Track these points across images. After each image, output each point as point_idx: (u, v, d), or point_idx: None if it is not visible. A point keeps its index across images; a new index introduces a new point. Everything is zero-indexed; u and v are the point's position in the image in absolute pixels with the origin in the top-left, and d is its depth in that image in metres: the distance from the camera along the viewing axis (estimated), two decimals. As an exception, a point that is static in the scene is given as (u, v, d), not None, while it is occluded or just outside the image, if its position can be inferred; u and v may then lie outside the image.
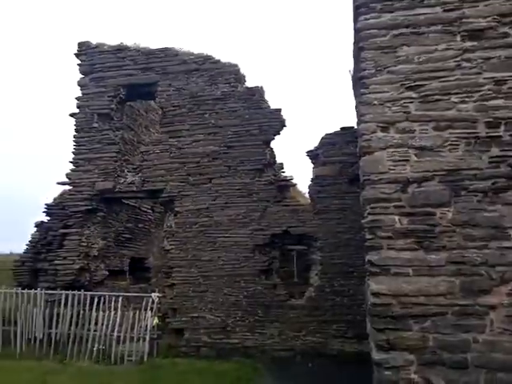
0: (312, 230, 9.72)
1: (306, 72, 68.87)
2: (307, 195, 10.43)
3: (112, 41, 12.22)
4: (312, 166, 10.22)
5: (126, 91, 11.62)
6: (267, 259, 9.90)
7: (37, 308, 10.09)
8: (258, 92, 10.60)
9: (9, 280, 12.01)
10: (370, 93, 5.19)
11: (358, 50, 5.59)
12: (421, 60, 5.09)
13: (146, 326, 9.50)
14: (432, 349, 4.52)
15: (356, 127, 7.95)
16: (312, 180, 10.11)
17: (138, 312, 9.60)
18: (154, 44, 11.70)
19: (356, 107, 7.14)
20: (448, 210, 4.75)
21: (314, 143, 10.50)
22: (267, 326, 9.53)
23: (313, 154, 10.21)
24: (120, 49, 11.72)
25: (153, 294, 9.74)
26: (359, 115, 5.52)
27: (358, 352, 8.63)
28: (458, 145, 4.85)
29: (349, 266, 9.33)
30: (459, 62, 4.98)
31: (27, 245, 11.78)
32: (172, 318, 10.03)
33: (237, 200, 10.17)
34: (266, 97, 10.68)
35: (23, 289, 10.57)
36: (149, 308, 9.58)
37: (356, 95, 7.04)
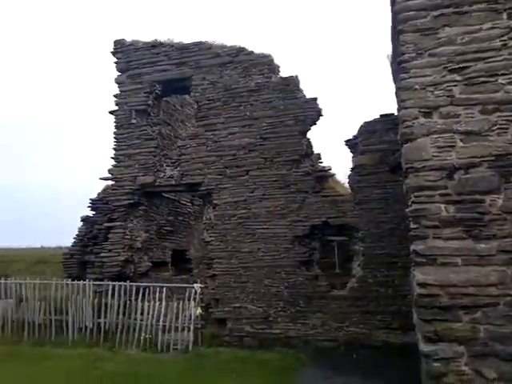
0: (353, 221, 9.59)
1: (342, 59, 67.49)
2: (347, 185, 10.29)
3: (146, 37, 12.42)
4: (351, 155, 10.05)
5: (162, 87, 11.78)
6: (307, 250, 9.86)
7: (86, 298, 10.52)
8: (292, 82, 10.49)
9: (59, 272, 12.60)
10: (410, 77, 5.06)
11: (396, 34, 5.44)
12: (464, 41, 4.90)
13: (190, 315, 9.73)
14: (483, 340, 4.41)
15: (396, 114, 7.78)
16: (351, 170, 9.95)
17: (181, 302, 9.84)
18: (188, 38, 11.76)
19: (396, 93, 6.97)
20: (498, 197, 4.58)
21: (352, 132, 10.34)
22: (309, 317, 9.52)
23: (351, 143, 10.04)
24: (154, 45, 11.88)
25: (195, 285, 9.95)
26: (400, 101, 5.38)
27: (403, 343, 8.49)
28: (506, 128, 4.67)
29: (392, 257, 9.15)
30: (506, 42, 4.77)
31: (75, 238, 12.27)
32: (214, 308, 10.21)
33: (274, 192, 10.16)
34: (301, 86, 10.55)
35: (73, 280, 11.05)
36: (192, 298, 9.81)
37: (396, 80, 6.86)
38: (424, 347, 4.62)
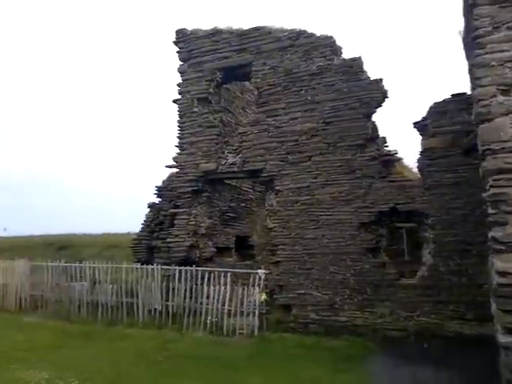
0: (422, 207, 9.19)
1: (410, 36, 64.06)
2: (415, 170, 9.87)
3: (207, 25, 12.51)
4: (420, 138, 9.59)
5: (223, 74, 11.90)
6: (374, 237, 9.60)
7: (154, 282, 10.98)
8: (355, 63, 10.18)
9: (129, 257, 13.23)
10: (486, 53, 4.77)
11: (469, 7, 5.12)
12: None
13: (255, 301, 9.86)
14: None
15: (470, 93, 7.34)
16: (420, 153, 9.50)
17: (246, 288, 9.99)
18: (247, 24, 11.73)
19: (470, 70, 6.54)
20: None
21: (421, 113, 9.84)
22: (377, 305, 9.31)
23: (420, 125, 9.56)
24: (214, 32, 11.98)
25: (259, 271, 10.05)
26: (474, 79, 5.08)
27: (478, 335, 8.09)
28: None
29: (466, 244, 8.69)
30: None
31: (142, 224, 12.80)
32: (279, 294, 10.26)
33: (338, 177, 9.96)
34: (365, 67, 10.21)
35: (141, 264, 11.56)
36: (256, 284, 9.92)
37: (469, 57, 6.44)
38: (503, 339, 4.46)
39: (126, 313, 11.16)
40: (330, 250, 9.85)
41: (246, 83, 13.22)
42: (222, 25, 12.04)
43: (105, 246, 18.36)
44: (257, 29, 11.35)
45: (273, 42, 11.06)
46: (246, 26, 11.63)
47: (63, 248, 18.44)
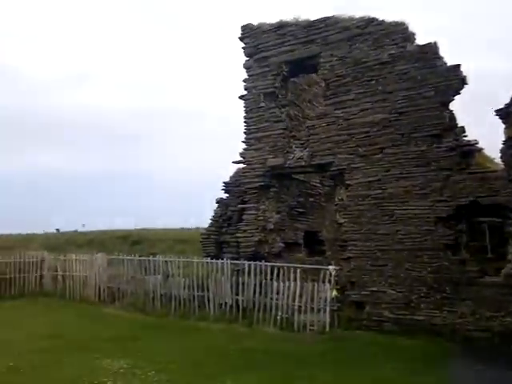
0: (507, 200, 8.51)
1: (490, 15, 59.24)
2: (498, 160, 9.18)
3: (272, 19, 12.41)
4: (503, 126, 8.89)
5: (289, 67, 11.80)
6: (453, 233, 9.05)
7: (224, 276, 11.13)
8: (430, 49, 9.64)
9: (198, 251, 13.53)
10: None
11: None
12: None
13: (325, 297, 9.69)
14: None
15: None
16: (504, 142, 8.81)
17: (316, 284, 9.84)
18: (314, 15, 11.46)
19: None
20: None
21: (504, 100, 9.11)
22: (457, 304, 8.80)
23: (504, 113, 8.83)
24: (280, 26, 11.86)
25: (330, 267, 9.86)
26: None
27: None
28: None
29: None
30: None
31: (211, 219, 13.01)
32: (350, 291, 10.00)
33: (413, 170, 9.52)
34: (442, 53, 9.64)
35: (211, 259, 11.75)
36: (327, 280, 9.74)
37: None
38: None
39: (197, 306, 11.41)
40: (405, 246, 9.44)
41: (313, 75, 12.99)
42: (288, 17, 11.91)
43: (175, 240, 18.93)
44: (323, 19, 11.10)
45: (340, 32, 10.76)
46: (312, 18, 11.41)
47: (137, 242, 19.25)
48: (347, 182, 10.36)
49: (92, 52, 78.28)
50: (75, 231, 27.89)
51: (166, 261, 12.36)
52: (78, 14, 73.35)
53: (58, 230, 29.42)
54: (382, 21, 10.38)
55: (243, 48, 12.42)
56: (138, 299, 12.32)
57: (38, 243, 19.21)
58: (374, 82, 10.18)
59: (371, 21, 10.48)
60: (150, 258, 12.72)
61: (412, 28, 10.15)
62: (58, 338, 8.99)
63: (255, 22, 12.41)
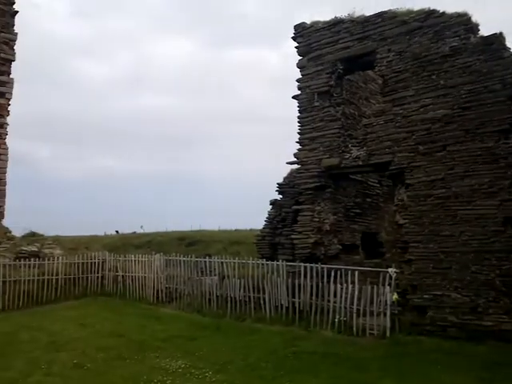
0: None
1: None
2: None
3: (326, 17, 12.24)
4: None
5: (344, 65, 11.59)
6: (523, 234, 8.47)
7: (280, 278, 11.03)
8: (496, 40, 9.09)
9: (252, 253, 13.55)
10: None
11: None
12: None
13: (386, 301, 9.35)
14: None
15: None
16: None
17: (375, 287, 9.52)
18: (369, 10, 11.18)
19: None
20: None
21: None
22: (529, 310, 8.20)
23: None
24: (334, 23, 11.68)
25: (390, 270, 9.50)
26: None
27: None
28: None
29: None
30: None
31: (265, 221, 13.01)
32: (412, 294, 9.56)
33: (479, 167, 8.98)
34: (508, 44, 9.07)
35: (266, 260, 11.70)
36: (386, 283, 9.40)
37: None
38: None
39: (253, 308, 11.39)
40: (471, 247, 8.91)
41: (369, 72, 12.68)
42: (343, 14, 11.68)
43: (230, 242, 19.10)
44: (380, 14, 10.79)
45: (398, 27, 10.40)
46: (368, 13, 11.12)
47: (192, 244, 19.62)
48: (407, 182, 9.95)
49: (146, 55, 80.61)
50: (134, 233, 28.94)
51: (221, 262, 12.45)
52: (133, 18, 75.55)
53: (117, 231, 30.69)
54: (443, 12, 9.91)
55: (296, 47, 12.33)
56: (194, 300, 12.50)
57: (100, 244, 20.04)
58: (434, 76, 9.73)
59: (431, 13, 10.04)
60: (206, 259, 12.87)
61: (475, 19, 9.65)
62: (119, 337, 9.23)
63: (308, 21, 12.31)
